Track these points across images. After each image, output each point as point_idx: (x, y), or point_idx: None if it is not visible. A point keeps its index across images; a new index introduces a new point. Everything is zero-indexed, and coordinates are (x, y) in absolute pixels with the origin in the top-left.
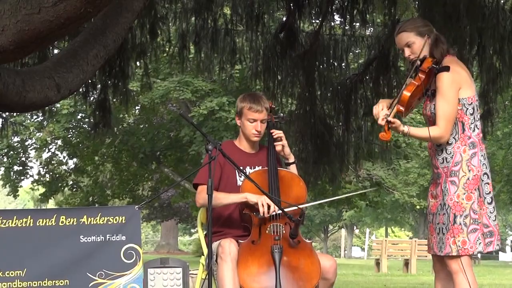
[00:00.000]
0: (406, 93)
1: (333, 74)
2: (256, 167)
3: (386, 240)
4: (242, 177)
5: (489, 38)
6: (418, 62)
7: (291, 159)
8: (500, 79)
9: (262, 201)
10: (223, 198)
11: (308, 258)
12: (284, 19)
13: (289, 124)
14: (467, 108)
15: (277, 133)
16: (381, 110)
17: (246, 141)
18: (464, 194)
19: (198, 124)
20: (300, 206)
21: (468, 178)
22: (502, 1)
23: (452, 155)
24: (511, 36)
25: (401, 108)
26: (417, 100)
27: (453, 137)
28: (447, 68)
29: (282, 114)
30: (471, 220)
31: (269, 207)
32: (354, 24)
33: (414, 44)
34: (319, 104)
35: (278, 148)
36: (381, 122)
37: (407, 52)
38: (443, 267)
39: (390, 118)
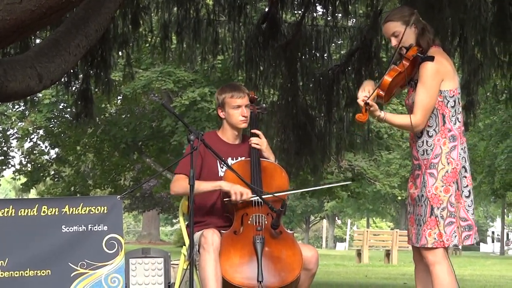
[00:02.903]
0: (388, 78)
1: (315, 65)
2: (239, 157)
3: (367, 231)
4: (224, 167)
5: (471, 30)
6: (404, 50)
7: (271, 159)
8: (482, 70)
9: (235, 190)
10: (198, 186)
11: (290, 249)
12: (267, 9)
13: (271, 115)
14: (448, 101)
15: (254, 143)
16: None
17: (231, 130)
18: (442, 186)
19: (180, 114)
20: (281, 194)
21: (447, 171)
22: None
23: (432, 148)
24: (492, 28)
25: (381, 92)
26: (399, 88)
27: (434, 130)
28: (431, 58)
29: (264, 105)
30: (448, 213)
31: (242, 195)
32: (336, 15)
33: (401, 33)
34: (301, 95)
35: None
36: (360, 102)
37: (394, 41)
38: (423, 258)
39: (369, 101)
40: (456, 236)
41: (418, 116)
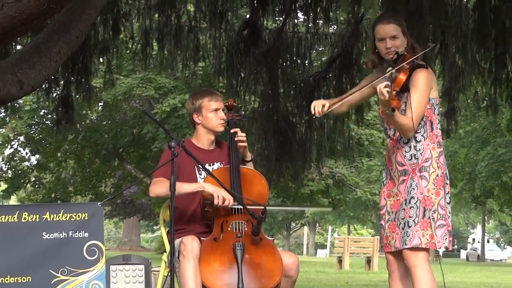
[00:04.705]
0: (402, 77)
1: (296, 72)
2: (215, 163)
3: (348, 238)
4: (202, 174)
5: (452, 36)
6: (395, 56)
7: (248, 157)
8: (463, 77)
9: (218, 193)
10: (180, 187)
11: (270, 255)
12: (248, 16)
13: (252, 122)
14: (435, 108)
15: (241, 137)
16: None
17: (207, 136)
18: (434, 189)
19: (161, 121)
20: (268, 208)
21: (437, 175)
22: None
23: (422, 152)
24: (473, 34)
25: (397, 89)
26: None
27: (422, 135)
28: (426, 66)
29: (243, 112)
30: (439, 215)
31: (224, 200)
32: (317, 21)
33: (398, 39)
34: (282, 101)
35: (240, 147)
36: (384, 92)
37: (389, 43)
38: (399, 266)
39: (392, 90)
40: (447, 239)
41: (413, 120)
